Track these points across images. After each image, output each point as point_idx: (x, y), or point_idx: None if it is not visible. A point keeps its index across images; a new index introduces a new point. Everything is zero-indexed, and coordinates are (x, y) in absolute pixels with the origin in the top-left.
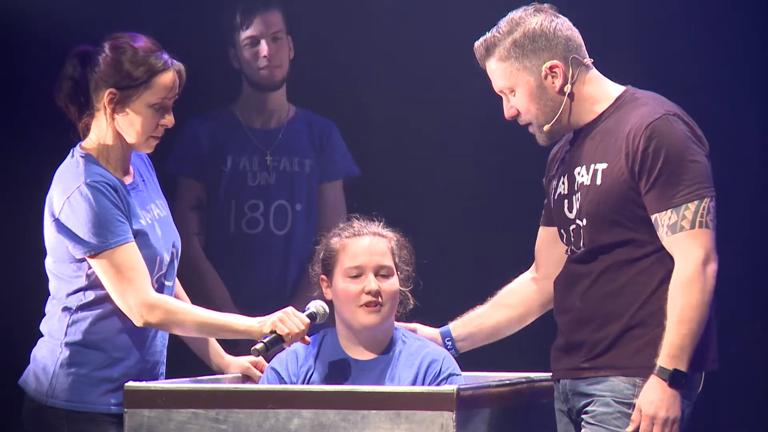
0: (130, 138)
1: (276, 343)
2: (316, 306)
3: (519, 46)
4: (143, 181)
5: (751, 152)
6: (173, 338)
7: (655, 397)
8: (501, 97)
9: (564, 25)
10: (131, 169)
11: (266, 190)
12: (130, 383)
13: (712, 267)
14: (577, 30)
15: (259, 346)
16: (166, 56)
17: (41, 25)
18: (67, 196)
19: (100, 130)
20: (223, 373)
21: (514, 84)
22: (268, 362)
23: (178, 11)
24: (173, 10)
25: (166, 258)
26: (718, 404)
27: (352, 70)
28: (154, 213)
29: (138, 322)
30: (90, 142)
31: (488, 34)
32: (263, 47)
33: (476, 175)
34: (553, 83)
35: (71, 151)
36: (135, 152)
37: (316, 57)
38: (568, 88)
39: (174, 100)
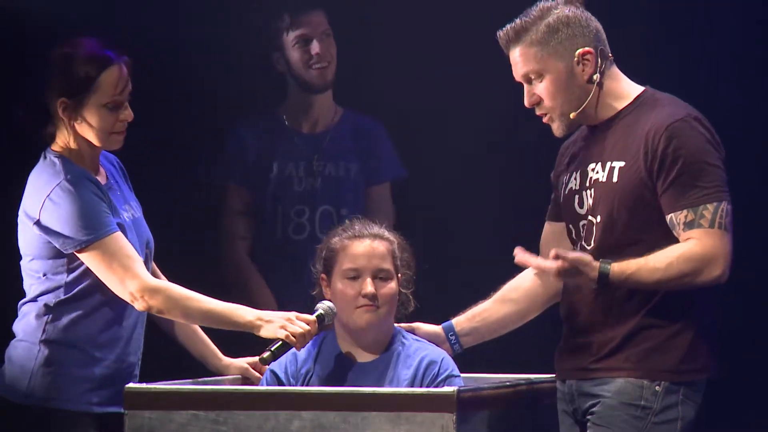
0: (94, 140)
1: (282, 351)
2: (323, 307)
3: (552, 30)
4: (116, 182)
5: (755, 154)
6: (172, 341)
7: (586, 267)
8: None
9: (593, 18)
10: (103, 171)
11: (312, 195)
12: (131, 385)
13: (716, 272)
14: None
15: (266, 355)
16: (109, 53)
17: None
18: (46, 195)
19: (64, 137)
20: (222, 375)
21: (543, 69)
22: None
23: (218, 17)
24: (213, 16)
25: (140, 258)
26: (723, 410)
27: (391, 70)
28: (129, 213)
29: (140, 307)
30: (58, 146)
31: (517, 21)
32: (315, 45)
33: (484, 173)
34: (584, 71)
35: (42, 154)
36: (106, 158)
37: (355, 57)
38: (596, 78)
39: (129, 94)
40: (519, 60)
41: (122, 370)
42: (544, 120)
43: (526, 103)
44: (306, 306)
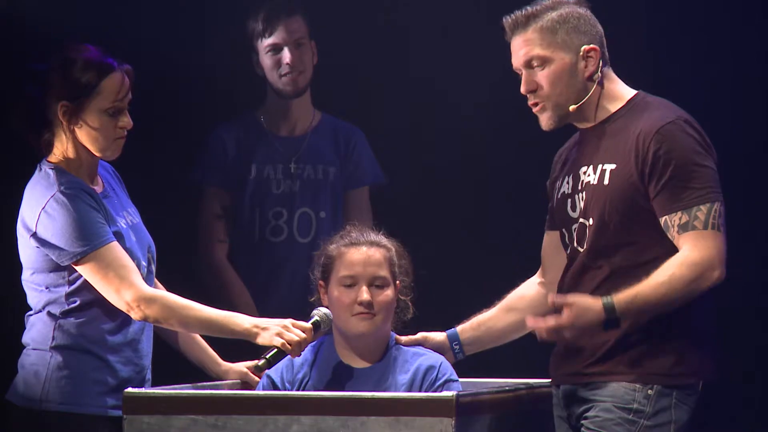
0: (93, 147)
1: (278, 358)
2: (319, 314)
3: (564, 21)
4: (113, 190)
5: (753, 154)
6: (170, 346)
7: (584, 307)
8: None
9: (598, 22)
10: (99, 179)
11: (290, 197)
12: (129, 389)
13: (716, 274)
14: None
15: (261, 362)
16: (111, 60)
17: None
18: (41, 207)
19: (62, 145)
20: (221, 380)
21: (549, 56)
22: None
23: (201, 17)
24: (196, 17)
25: (143, 263)
26: (718, 415)
27: (376, 74)
28: (127, 219)
29: (136, 316)
30: (55, 156)
31: (528, 8)
32: (286, 54)
33: (484, 181)
34: (586, 67)
35: (38, 166)
36: (101, 166)
37: (342, 61)
38: (597, 77)
39: (129, 102)
40: (524, 45)
41: (135, 373)
42: (535, 110)
43: (522, 89)
44: (284, 308)
